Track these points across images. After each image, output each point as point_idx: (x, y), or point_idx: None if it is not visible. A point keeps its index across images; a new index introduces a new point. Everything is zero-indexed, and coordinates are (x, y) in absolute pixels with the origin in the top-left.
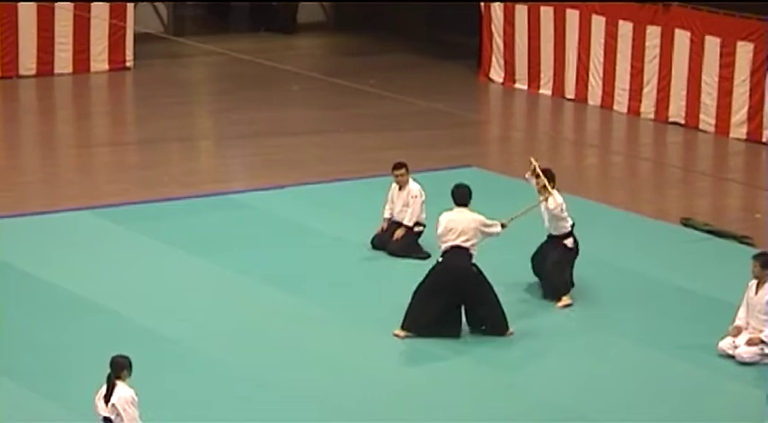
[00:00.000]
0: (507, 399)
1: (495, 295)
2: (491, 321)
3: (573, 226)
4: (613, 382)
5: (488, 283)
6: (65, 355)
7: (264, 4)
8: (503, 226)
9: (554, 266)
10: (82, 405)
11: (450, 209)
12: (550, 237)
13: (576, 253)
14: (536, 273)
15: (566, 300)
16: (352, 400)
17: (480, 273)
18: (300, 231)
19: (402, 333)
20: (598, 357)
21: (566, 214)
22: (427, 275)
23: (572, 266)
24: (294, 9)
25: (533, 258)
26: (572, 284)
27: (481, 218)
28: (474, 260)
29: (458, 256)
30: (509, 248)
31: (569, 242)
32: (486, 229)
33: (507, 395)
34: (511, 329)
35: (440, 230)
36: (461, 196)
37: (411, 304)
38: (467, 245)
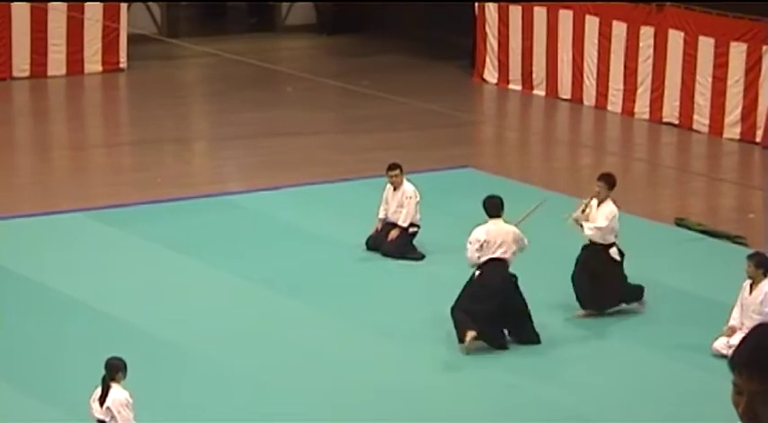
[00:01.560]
0: (505, 399)
1: (528, 309)
2: (527, 332)
3: (616, 236)
4: (608, 381)
5: (522, 296)
6: (60, 357)
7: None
8: None
9: (595, 279)
10: (77, 407)
11: (485, 222)
12: (594, 246)
13: (622, 264)
14: (576, 285)
15: (581, 313)
16: (350, 401)
17: (517, 283)
18: (295, 232)
19: (468, 335)
20: (593, 358)
21: (616, 224)
22: (464, 289)
23: (622, 278)
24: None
25: (575, 272)
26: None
27: (517, 230)
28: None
29: (497, 267)
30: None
31: (614, 253)
32: (521, 242)
33: (505, 395)
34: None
35: (477, 245)
36: (494, 207)
37: (455, 318)
38: (506, 256)
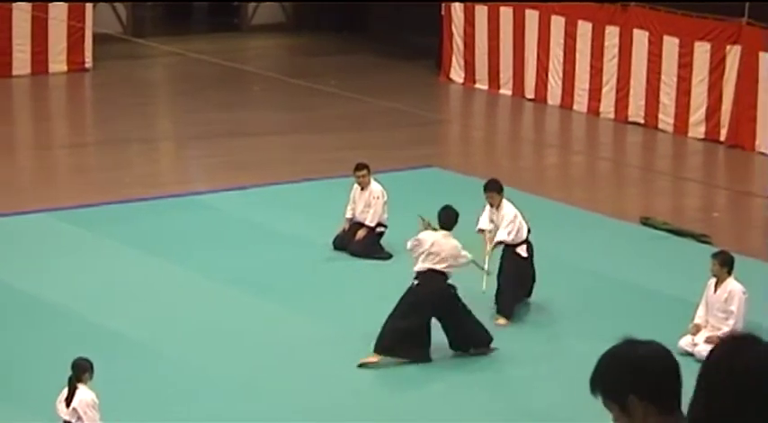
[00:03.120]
0: (468, 398)
1: (471, 313)
2: (476, 338)
3: (529, 232)
4: (570, 380)
5: (462, 302)
6: (25, 357)
7: (224, 4)
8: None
9: (505, 284)
10: (42, 408)
11: (435, 229)
12: (504, 246)
13: (531, 260)
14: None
15: (502, 320)
16: (317, 400)
17: (456, 294)
18: (262, 232)
19: (375, 358)
20: (555, 355)
21: (519, 223)
22: (402, 298)
23: (528, 277)
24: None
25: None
26: (529, 294)
27: (460, 247)
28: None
29: (435, 278)
30: None
31: (522, 250)
32: (460, 261)
33: (468, 394)
34: (492, 346)
35: (421, 249)
36: (448, 220)
37: (384, 327)
38: (446, 270)
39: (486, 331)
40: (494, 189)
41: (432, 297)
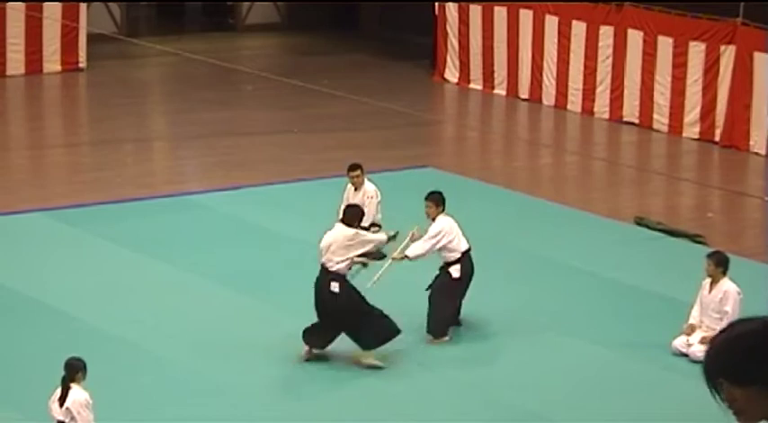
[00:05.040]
0: (460, 398)
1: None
2: (380, 330)
3: (467, 251)
4: (566, 380)
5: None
6: (19, 357)
7: (217, 4)
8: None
9: (433, 302)
10: (36, 408)
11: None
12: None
13: (465, 281)
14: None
15: (436, 341)
16: (309, 400)
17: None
18: (255, 232)
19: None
20: (551, 357)
21: (448, 242)
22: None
23: (459, 298)
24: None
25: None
26: (456, 318)
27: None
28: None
29: (324, 276)
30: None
31: (455, 270)
32: (351, 242)
33: (460, 395)
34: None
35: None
36: (344, 214)
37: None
38: (329, 265)
39: (373, 339)
40: (433, 200)
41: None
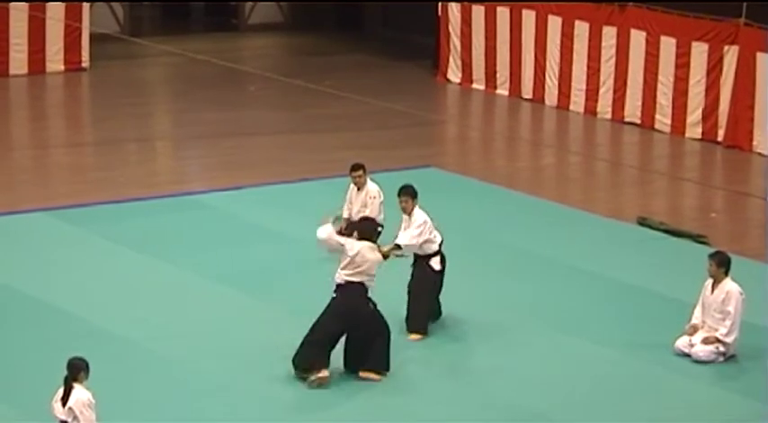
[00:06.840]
0: (460, 398)
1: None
2: (371, 360)
3: (441, 243)
4: (568, 380)
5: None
6: (21, 357)
7: (221, 4)
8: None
9: (414, 296)
10: (38, 408)
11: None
12: (416, 257)
13: (443, 273)
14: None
15: (415, 336)
16: (311, 402)
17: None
18: (259, 232)
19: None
20: (553, 357)
21: (430, 233)
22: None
23: (438, 290)
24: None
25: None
26: (439, 313)
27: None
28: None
29: (354, 290)
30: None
31: (435, 262)
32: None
33: (460, 395)
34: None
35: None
36: (367, 230)
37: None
38: (366, 282)
39: (387, 360)
40: (408, 194)
41: (351, 311)
